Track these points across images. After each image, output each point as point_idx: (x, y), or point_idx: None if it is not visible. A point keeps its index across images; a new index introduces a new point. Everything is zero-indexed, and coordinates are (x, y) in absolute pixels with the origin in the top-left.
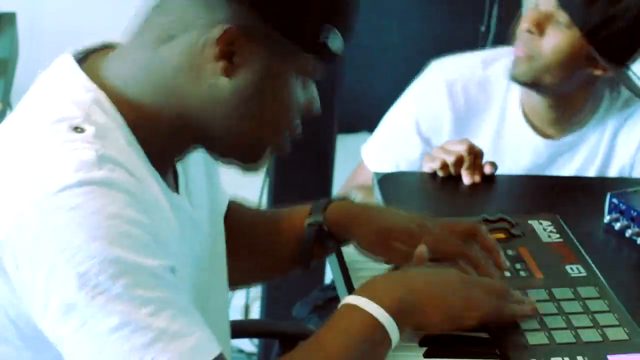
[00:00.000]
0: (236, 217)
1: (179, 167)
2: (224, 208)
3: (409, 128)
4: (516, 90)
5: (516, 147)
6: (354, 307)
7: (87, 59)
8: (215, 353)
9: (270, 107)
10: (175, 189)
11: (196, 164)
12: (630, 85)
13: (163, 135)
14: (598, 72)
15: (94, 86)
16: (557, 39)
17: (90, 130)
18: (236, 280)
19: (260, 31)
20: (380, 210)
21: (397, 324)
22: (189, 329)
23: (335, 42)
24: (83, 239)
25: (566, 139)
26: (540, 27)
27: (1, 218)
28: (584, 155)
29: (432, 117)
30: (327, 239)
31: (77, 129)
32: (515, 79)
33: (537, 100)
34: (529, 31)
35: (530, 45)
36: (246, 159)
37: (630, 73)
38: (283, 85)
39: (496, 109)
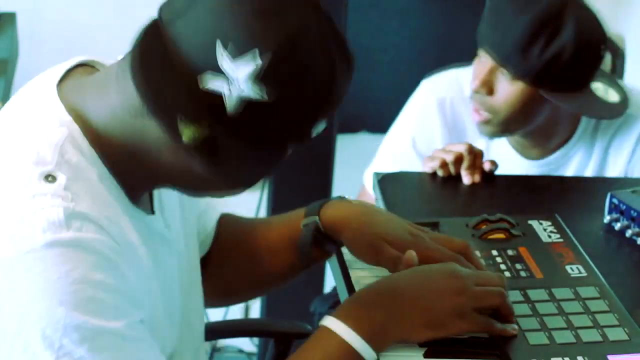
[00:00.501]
0: (230, 229)
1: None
2: (210, 224)
3: (406, 147)
4: None
5: (504, 170)
6: (330, 332)
7: (68, 76)
8: None
9: (237, 179)
10: (150, 208)
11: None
12: (587, 111)
13: (134, 174)
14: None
15: (68, 119)
16: (506, 94)
17: (62, 179)
18: (237, 293)
19: (232, 144)
20: (375, 215)
21: (375, 346)
22: None
23: (322, 126)
24: (48, 304)
25: (550, 158)
26: (487, 86)
27: None
28: (573, 171)
29: (426, 134)
30: (324, 239)
31: (49, 178)
32: (486, 135)
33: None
34: (477, 92)
35: (484, 106)
36: (214, 196)
37: (593, 88)
38: (257, 166)
39: None
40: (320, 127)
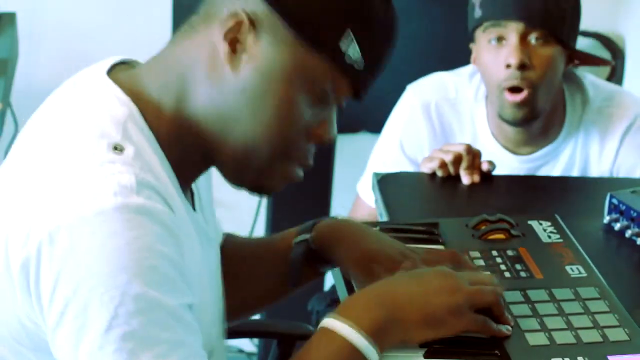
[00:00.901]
0: (231, 249)
1: (193, 186)
2: (219, 237)
3: (395, 152)
4: (482, 114)
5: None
6: (331, 331)
7: (111, 71)
8: None
9: (273, 112)
10: (192, 206)
11: (203, 185)
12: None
13: (184, 150)
14: (565, 73)
15: (127, 99)
16: (545, 61)
17: (129, 150)
18: (236, 311)
19: (271, 24)
20: (366, 235)
21: (376, 345)
22: None
23: (355, 53)
24: (111, 269)
25: (539, 153)
26: (527, 57)
27: (34, 232)
28: (562, 167)
29: (414, 138)
30: (315, 258)
31: (117, 148)
32: (515, 122)
33: (506, 126)
34: (522, 66)
35: (525, 80)
36: (255, 182)
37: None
38: (288, 86)
39: (468, 130)
40: (350, 45)
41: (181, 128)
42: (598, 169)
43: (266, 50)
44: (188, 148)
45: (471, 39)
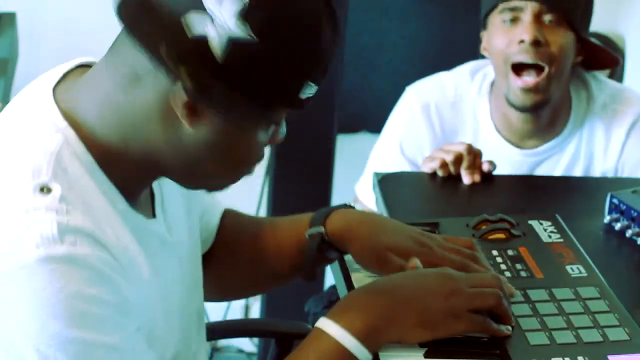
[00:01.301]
0: (234, 227)
1: (156, 188)
2: (214, 219)
3: (395, 153)
4: (485, 109)
5: (496, 162)
6: (324, 333)
7: (65, 78)
8: None
9: (232, 154)
10: (152, 211)
11: (171, 183)
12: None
13: (131, 170)
14: (574, 63)
15: (64, 125)
16: (559, 40)
17: (57, 190)
18: (235, 290)
19: (223, 97)
20: (381, 224)
21: (368, 347)
22: None
23: (310, 91)
24: (43, 319)
25: (543, 147)
26: (541, 34)
27: None
28: (566, 162)
29: (413, 140)
30: (329, 249)
31: (44, 190)
32: (525, 109)
33: (513, 116)
34: (536, 43)
35: (540, 55)
36: (211, 190)
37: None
38: (246, 137)
39: (470, 128)
40: (308, 90)
41: (126, 154)
42: (603, 165)
43: (222, 117)
44: (134, 168)
45: (483, 25)
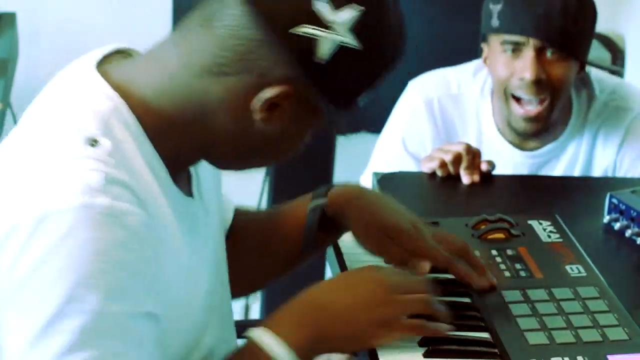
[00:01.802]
0: (243, 223)
1: (192, 169)
2: (229, 214)
3: (398, 149)
4: (488, 109)
5: (497, 162)
6: (258, 346)
7: (104, 63)
8: None
9: (286, 147)
10: (189, 192)
11: (205, 167)
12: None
13: (181, 148)
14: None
15: (115, 94)
16: (561, 74)
17: (106, 144)
18: (249, 284)
19: (310, 96)
20: (380, 203)
21: (300, 358)
22: None
23: (366, 99)
24: (61, 267)
25: (545, 149)
26: (543, 71)
27: (3, 220)
28: (565, 163)
29: (416, 135)
30: (330, 223)
31: (93, 142)
32: (524, 133)
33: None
34: (538, 81)
35: (544, 90)
36: (244, 171)
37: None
38: (304, 134)
39: (472, 126)
40: (365, 98)
41: (181, 133)
42: (602, 161)
43: (297, 115)
44: (185, 147)
45: (483, 38)
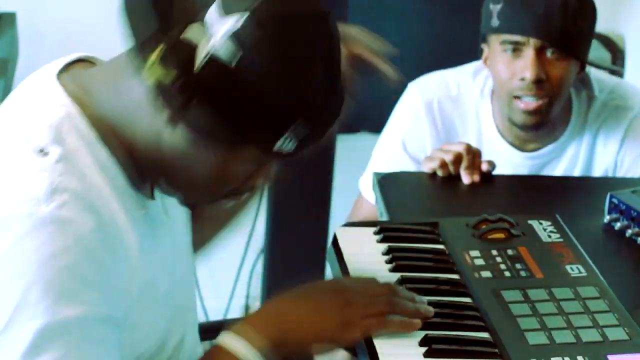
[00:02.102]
0: None
1: None
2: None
3: (397, 150)
4: (488, 111)
5: (497, 163)
6: (227, 350)
7: (68, 69)
8: None
9: (200, 170)
10: (151, 193)
11: None
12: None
13: (132, 150)
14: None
15: (68, 100)
16: (560, 74)
17: (54, 153)
18: None
19: (195, 109)
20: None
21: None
22: None
23: (287, 146)
24: (9, 275)
25: (545, 150)
26: (543, 71)
27: None
28: (565, 164)
29: (416, 136)
30: None
31: (42, 152)
32: (524, 127)
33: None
34: (539, 81)
35: (543, 91)
36: (185, 203)
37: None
38: (216, 159)
39: (472, 128)
40: (286, 144)
41: (123, 137)
42: (602, 161)
43: (201, 130)
44: (135, 149)
45: (483, 39)
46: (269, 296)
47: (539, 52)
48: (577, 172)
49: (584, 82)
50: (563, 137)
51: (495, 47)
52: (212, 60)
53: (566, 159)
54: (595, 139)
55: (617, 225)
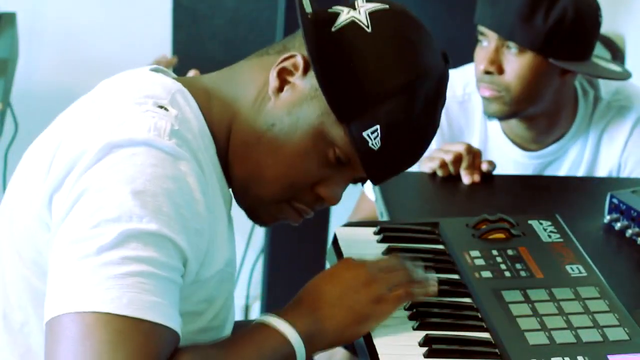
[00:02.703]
0: None
1: None
2: None
3: None
4: None
5: (502, 163)
6: (271, 328)
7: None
8: (169, 324)
9: (287, 157)
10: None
11: None
12: (599, 74)
13: (222, 136)
14: (567, 77)
15: (178, 83)
16: (517, 68)
17: (173, 112)
18: None
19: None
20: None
21: (308, 349)
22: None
23: (376, 144)
24: (119, 179)
25: (549, 149)
26: (496, 64)
27: (79, 145)
28: (569, 164)
29: None
30: None
31: (162, 108)
32: (492, 116)
33: (514, 123)
34: (488, 72)
35: (496, 85)
36: (251, 209)
37: (595, 61)
38: (304, 137)
39: (478, 128)
40: (374, 138)
41: (227, 128)
42: (607, 162)
43: (304, 100)
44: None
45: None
46: (269, 296)
47: (500, 44)
48: (581, 172)
49: (592, 83)
50: (566, 137)
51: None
52: (352, 23)
53: (570, 159)
54: (599, 140)
55: (617, 225)
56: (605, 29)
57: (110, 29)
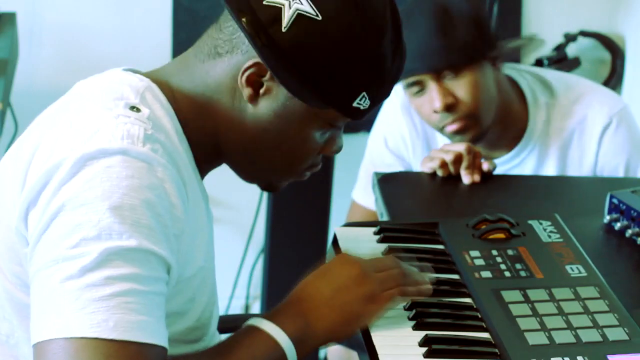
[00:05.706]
0: None
1: None
2: None
3: (380, 147)
4: None
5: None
6: (261, 331)
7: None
8: (157, 341)
9: (286, 142)
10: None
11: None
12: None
13: (199, 141)
14: (497, 64)
15: (145, 78)
16: (466, 88)
17: (145, 111)
18: None
19: (286, 77)
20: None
21: (298, 350)
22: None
23: (364, 103)
24: (96, 195)
25: (506, 157)
26: (448, 95)
27: (50, 160)
28: (531, 167)
29: (396, 133)
30: None
31: (134, 108)
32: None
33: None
34: (448, 108)
35: (458, 114)
36: (262, 186)
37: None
38: (301, 129)
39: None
40: (362, 101)
41: (198, 129)
42: (579, 173)
43: (284, 100)
44: (203, 147)
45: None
46: (269, 296)
47: (439, 81)
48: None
49: (544, 86)
50: (520, 145)
51: (408, 94)
52: (300, 16)
53: (530, 166)
54: (567, 148)
55: (617, 225)
56: (605, 29)
57: (110, 29)
